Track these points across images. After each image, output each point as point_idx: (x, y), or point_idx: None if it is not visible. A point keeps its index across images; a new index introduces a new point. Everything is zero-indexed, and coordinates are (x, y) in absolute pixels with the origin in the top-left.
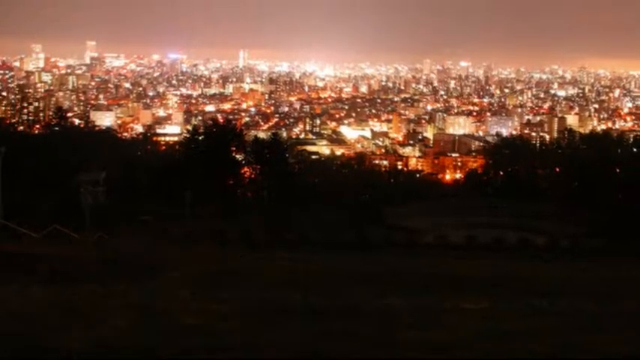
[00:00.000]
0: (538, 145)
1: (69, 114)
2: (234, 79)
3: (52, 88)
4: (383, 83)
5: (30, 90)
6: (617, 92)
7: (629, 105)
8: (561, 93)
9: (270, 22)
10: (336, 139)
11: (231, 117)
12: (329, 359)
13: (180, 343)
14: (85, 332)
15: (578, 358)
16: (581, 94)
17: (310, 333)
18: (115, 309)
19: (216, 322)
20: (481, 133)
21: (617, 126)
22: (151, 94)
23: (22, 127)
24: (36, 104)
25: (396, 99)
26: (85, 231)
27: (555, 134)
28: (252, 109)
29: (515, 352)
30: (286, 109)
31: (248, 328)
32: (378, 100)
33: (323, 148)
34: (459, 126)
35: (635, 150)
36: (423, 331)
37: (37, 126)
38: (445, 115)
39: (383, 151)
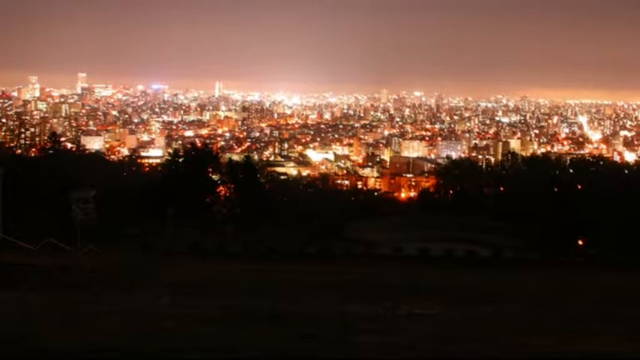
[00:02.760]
0: (484, 166)
1: (62, 139)
2: (211, 107)
3: (46, 115)
4: (344, 111)
5: (27, 117)
6: (555, 119)
7: (566, 130)
8: (505, 120)
9: (243, 56)
10: (303, 162)
11: (208, 141)
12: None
13: (161, 345)
14: (76, 335)
15: (520, 357)
16: (523, 121)
17: (277, 336)
18: (104, 314)
19: (194, 326)
20: (433, 156)
21: (555, 149)
22: (135, 120)
23: (20, 151)
24: (32, 130)
25: (356, 125)
26: (77, 244)
27: (500, 157)
28: (227, 134)
29: (462, 353)
30: (257, 134)
31: (222, 331)
32: (340, 126)
33: (290, 170)
34: (413, 149)
35: (571, 171)
36: (379, 335)
37: (34, 149)
38: (400, 139)
39: (344, 172)
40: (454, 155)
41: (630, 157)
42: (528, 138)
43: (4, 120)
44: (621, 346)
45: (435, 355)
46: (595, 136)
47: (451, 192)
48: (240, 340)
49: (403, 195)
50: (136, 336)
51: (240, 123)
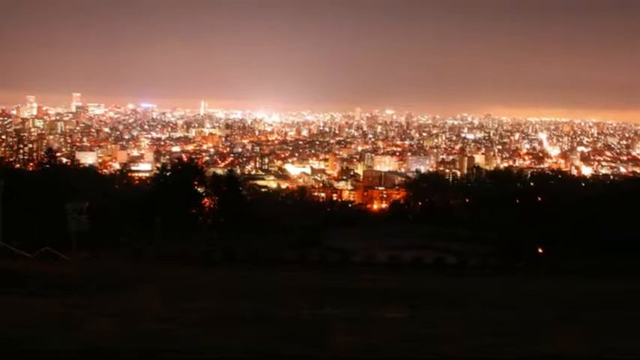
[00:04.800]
0: (451, 179)
1: (58, 154)
2: (196, 125)
3: (43, 132)
4: (321, 128)
5: (25, 134)
6: (517, 135)
7: (527, 146)
8: (470, 136)
9: (226, 77)
10: (282, 175)
11: (193, 156)
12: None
13: (152, 346)
14: (71, 337)
15: (485, 357)
16: (487, 137)
17: (260, 337)
18: (97, 317)
19: (183, 328)
20: (403, 170)
21: (517, 164)
22: (126, 137)
23: (18, 165)
24: (30, 146)
25: (331, 141)
26: (72, 252)
27: (465, 171)
28: (212, 150)
29: (431, 353)
30: (240, 149)
31: (209, 333)
32: (317, 142)
33: (271, 183)
34: (385, 164)
35: (532, 184)
36: (354, 336)
37: (31, 164)
38: (373, 154)
39: (321, 185)
40: (423, 169)
41: (587, 171)
42: (492, 153)
43: (3, 136)
44: (578, 349)
45: (407, 354)
46: (554, 151)
47: (420, 203)
48: (226, 341)
49: (375, 206)
50: (128, 338)
51: (223, 139)
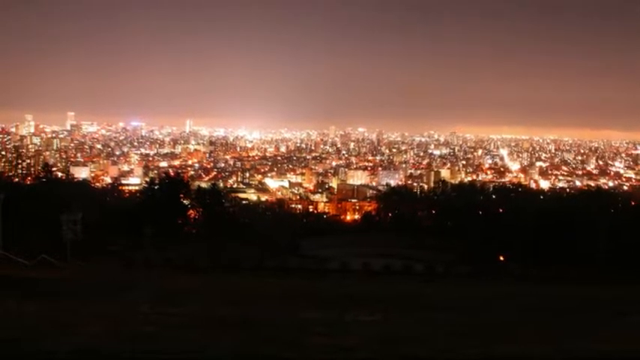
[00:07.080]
0: (419, 192)
1: (54, 169)
2: (182, 142)
3: (40, 148)
4: (298, 144)
5: (23, 150)
6: (480, 152)
7: (489, 162)
8: (437, 152)
9: (210, 97)
10: (262, 188)
11: (179, 171)
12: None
13: (141, 347)
14: (66, 338)
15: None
16: (452, 153)
17: (242, 338)
18: (91, 319)
19: (171, 330)
20: (374, 184)
21: (480, 178)
22: (117, 153)
23: (17, 179)
24: (28, 161)
25: (308, 157)
26: (67, 259)
27: (432, 184)
28: (196, 165)
29: (402, 353)
30: (223, 164)
31: (194, 334)
32: (294, 158)
33: (251, 195)
34: (357, 178)
35: (493, 197)
36: (330, 337)
37: (29, 178)
38: (346, 169)
39: (298, 197)
40: (393, 183)
41: (545, 184)
42: (457, 168)
43: (3, 152)
44: (537, 349)
45: (377, 355)
46: (514, 166)
47: (390, 214)
48: (210, 342)
49: (349, 217)
50: (119, 339)
51: (207, 155)
